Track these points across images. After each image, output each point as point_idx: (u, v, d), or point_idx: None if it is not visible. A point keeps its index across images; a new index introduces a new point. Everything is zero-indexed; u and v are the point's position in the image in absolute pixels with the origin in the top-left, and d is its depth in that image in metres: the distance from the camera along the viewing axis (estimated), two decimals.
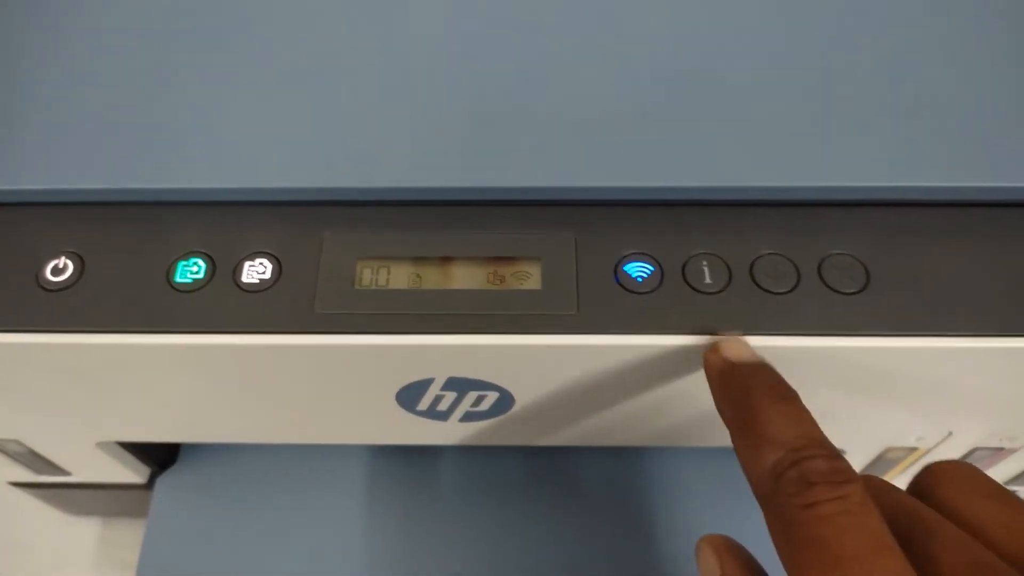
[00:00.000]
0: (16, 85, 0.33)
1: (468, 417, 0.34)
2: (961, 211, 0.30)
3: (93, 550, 0.55)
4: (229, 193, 0.30)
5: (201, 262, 0.29)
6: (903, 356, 0.29)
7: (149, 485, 0.46)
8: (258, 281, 0.29)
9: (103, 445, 0.40)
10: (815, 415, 0.33)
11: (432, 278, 0.29)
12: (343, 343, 0.28)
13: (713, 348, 0.27)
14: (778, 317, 0.28)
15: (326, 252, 0.30)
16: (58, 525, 0.55)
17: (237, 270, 0.29)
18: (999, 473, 0.41)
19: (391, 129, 0.31)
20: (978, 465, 0.38)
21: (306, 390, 0.32)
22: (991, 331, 0.28)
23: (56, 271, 0.29)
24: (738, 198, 0.30)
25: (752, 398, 0.25)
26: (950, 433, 0.36)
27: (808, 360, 0.29)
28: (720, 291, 0.29)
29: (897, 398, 0.32)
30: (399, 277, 0.29)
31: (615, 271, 0.29)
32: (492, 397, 0.32)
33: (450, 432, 0.36)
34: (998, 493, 0.23)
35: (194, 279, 0.29)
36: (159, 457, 0.46)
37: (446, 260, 0.29)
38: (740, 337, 0.27)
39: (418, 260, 0.29)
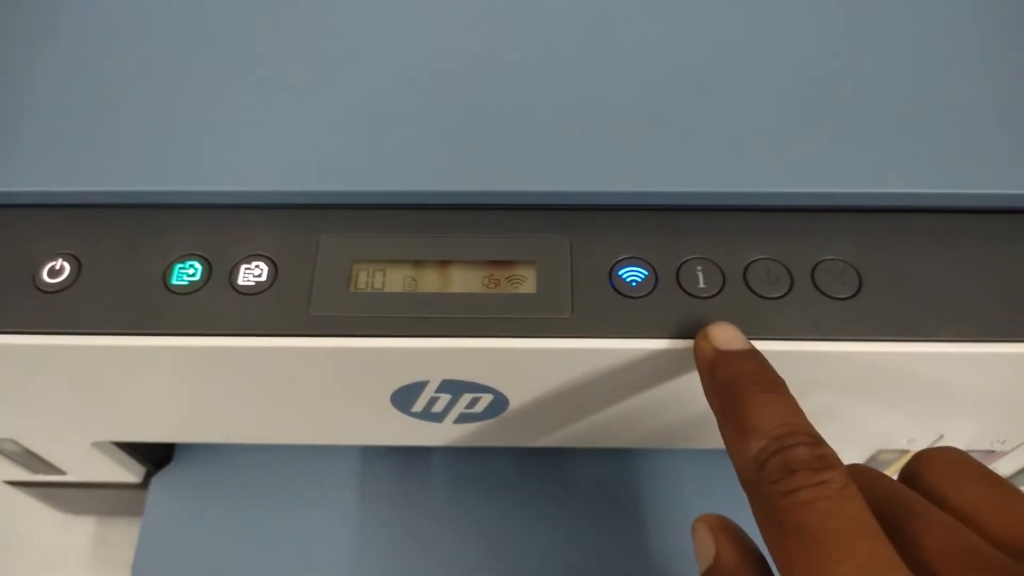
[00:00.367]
0: (13, 87, 0.33)
1: (463, 419, 0.34)
2: (953, 217, 0.30)
3: (88, 549, 0.55)
4: (225, 196, 0.30)
5: (197, 264, 0.30)
6: (895, 361, 0.29)
7: (144, 484, 0.46)
8: (254, 283, 0.29)
9: (98, 445, 0.40)
10: (808, 417, 0.33)
11: (427, 281, 0.29)
12: (338, 346, 0.28)
13: (703, 335, 0.27)
14: (771, 322, 0.28)
15: (322, 255, 0.30)
16: (53, 524, 0.55)
17: (233, 272, 0.29)
18: None
19: (387, 132, 0.31)
20: None
21: (301, 392, 0.32)
22: (982, 336, 0.28)
23: (53, 273, 0.29)
24: (732, 203, 0.30)
25: (739, 387, 0.25)
26: (941, 435, 0.36)
27: (801, 364, 0.29)
28: (714, 295, 0.29)
29: (889, 401, 0.33)
30: (394, 280, 0.29)
31: (610, 275, 0.29)
32: (487, 399, 0.32)
33: (445, 433, 0.36)
34: (986, 478, 0.23)
35: (190, 281, 0.29)
36: (154, 456, 0.46)
37: (441, 263, 0.30)
38: (730, 324, 0.28)
39: (413, 263, 0.30)
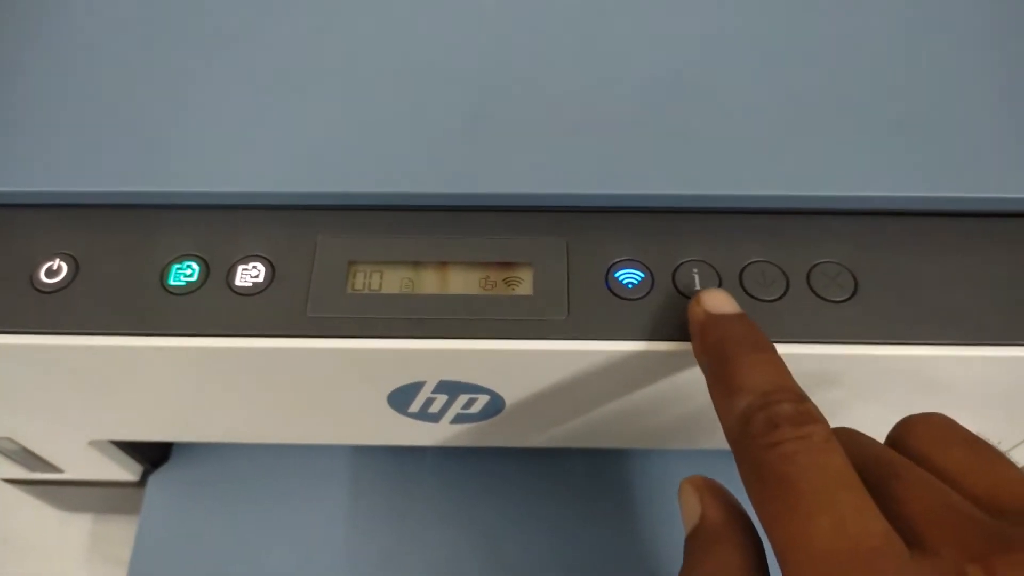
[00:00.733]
0: (11, 86, 0.33)
1: (459, 419, 0.34)
2: (949, 221, 0.30)
3: (86, 546, 0.55)
4: (223, 196, 0.30)
5: (195, 265, 0.30)
6: (890, 363, 0.29)
7: (142, 483, 0.46)
8: (251, 284, 0.29)
9: (96, 443, 0.40)
10: None
11: (424, 283, 0.29)
12: (335, 347, 0.29)
13: (695, 299, 0.28)
14: (767, 324, 0.28)
15: (319, 256, 0.30)
16: (51, 521, 0.55)
17: (230, 273, 0.30)
18: None
19: (385, 134, 0.31)
20: None
21: (298, 392, 0.32)
22: (977, 340, 0.28)
23: (50, 273, 0.30)
24: (729, 206, 0.30)
25: (727, 347, 0.25)
26: None
27: (796, 366, 0.29)
28: None
29: (883, 403, 0.32)
30: (391, 281, 0.29)
31: (606, 277, 0.29)
32: (483, 400, 0.33)
33: (441, 433, 0.36)
34: (971, 441, 0.23)
35: (187, 282, 0.29)
36: (152, 455, 0.46)
37: (438, 265, 0.30)
38: (722, 291, 0.28)
39: (410, 265, 0.30)
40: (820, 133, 0.31)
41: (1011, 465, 0.22)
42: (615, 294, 0.29)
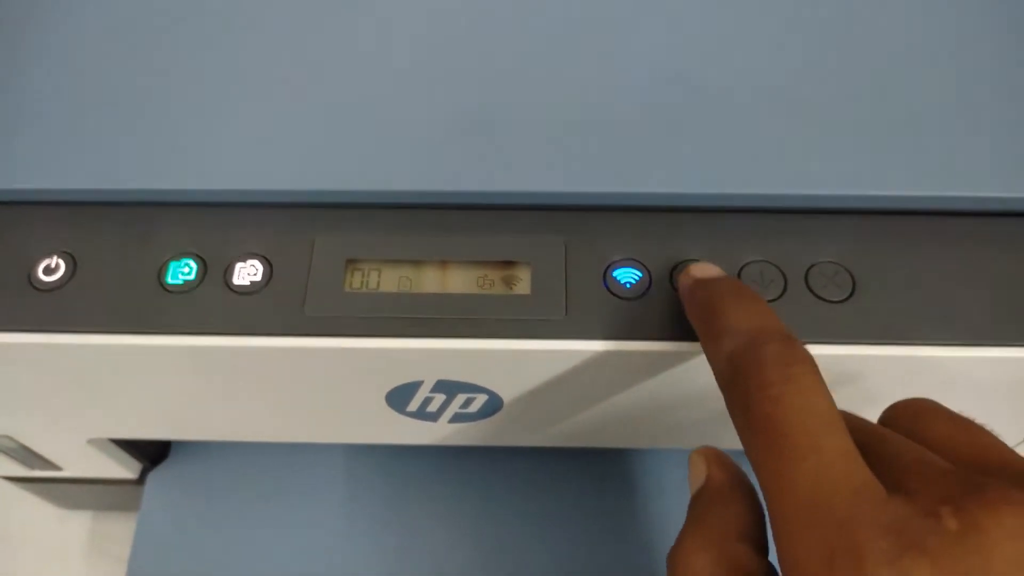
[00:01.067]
0: (9, 84, 0.33)
1: (457, 418, 0.34)
2: (947, 220, 0.30)
3: (85, 543, 0.55)
4: (221, 194, 0.30)
5: (193, 263, 0.30)
6: (888, 363, 0.29)
7: (140, 480, 0.46)
8: (249, 283, 0.29)
9: (95, 441, 0.40)
10: None
11: (422, 282, 0.29)
12: (333, 346, 0.29)
13: (685, 272, 0.28)
14: None
15: (317, 254, 0.30)
16: (50, 518, 0.55)
17: (228, 271, 0.30)
18: None
19: (383, 132, 0.31)
20: None
21: (296, 391, 0.32)
22: (975, 340, 0.28)
23: (48, 271, 0.30)
24: (727, 205, 0.30)
25: (714, 299, 0.26)
26: None
27: None
28: None
29: (880, 403, 0.32)
30: (389, 280, 0.29)
31: (604, 276, 0.29)
32: (481, 399, 0.33)
33: (439, 432, 0.36)
34: (954, 417, 0.23)
35: (185, 280, 0.29)
36: (151, 453, 0.46)
37: (436, 264, 0.30)
38: (709, 263, 0.28)
39: (408, 263, 0.30)
40: (818, 132, 0.31)
41: (991, 435, 0.23)
42: (613, 293, 0.29)
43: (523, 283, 0.29)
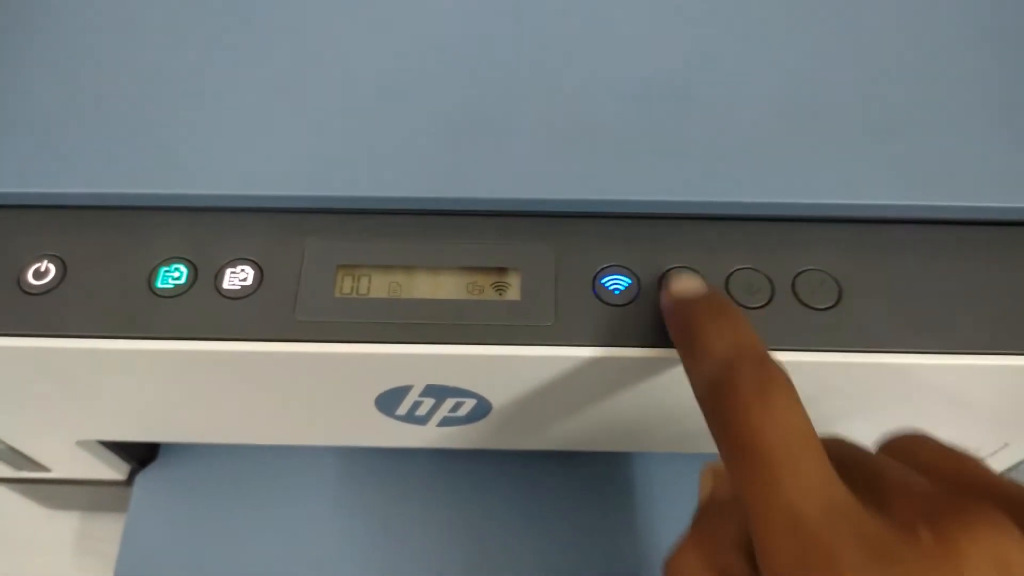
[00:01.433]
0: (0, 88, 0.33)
1: (446, 422, 0.35)
2: (934, 229, 0.31)
3: (72, 543, 0.55)
4: (212, 199, 0.30)
5: (182, 267, 0.30)
6: (873, 371, 0.29)
7: (129, 482, 0.46)
8: (239, 287, 0.29)
9: (83, 443, 0.40)
10: None
11: (412, 287, 0.29)
12: (323, 351, 0.29)
13: (664, 288, 0.28)
14: None
15: (307, 260, 0.30)
16: (38, 518, 0.55)
17: (219, 276, 0.30)
18: None
19: (374, 138, 0.31)
20: None
21: (286, 395, 0.33)
22: (961, 348, 0.29)
23: (38, 274, 0.30)
24: (715, 212, 0.31)
25: (691, 320, 0.26)
26: None
27: None
28: None
29: (867, 409, 0.33)
30: (379, 286, 0.30)
31: (593, 283, 0.30)
32: (470, 404, 0.33)
33: (428, 436, 0.36)
34: (941, 447, 0.24)
35: (176, 285, 0.29)
36: (139, 455, 0.46)
37: (426, 269, 0.30)
38: (690, 274, 0.29)
39: (398, 269, 0.30)
40: (807, 141, 0.31)
41: (979, 463, 0.23)
42: (602, 300, 0.29)
43: (513, 289, 0.29)
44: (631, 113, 0.32)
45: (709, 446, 0.37)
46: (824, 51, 0.34)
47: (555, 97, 0.32)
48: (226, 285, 0.29)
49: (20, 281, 0.29)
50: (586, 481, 0.47)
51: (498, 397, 0.32)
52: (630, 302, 0.29)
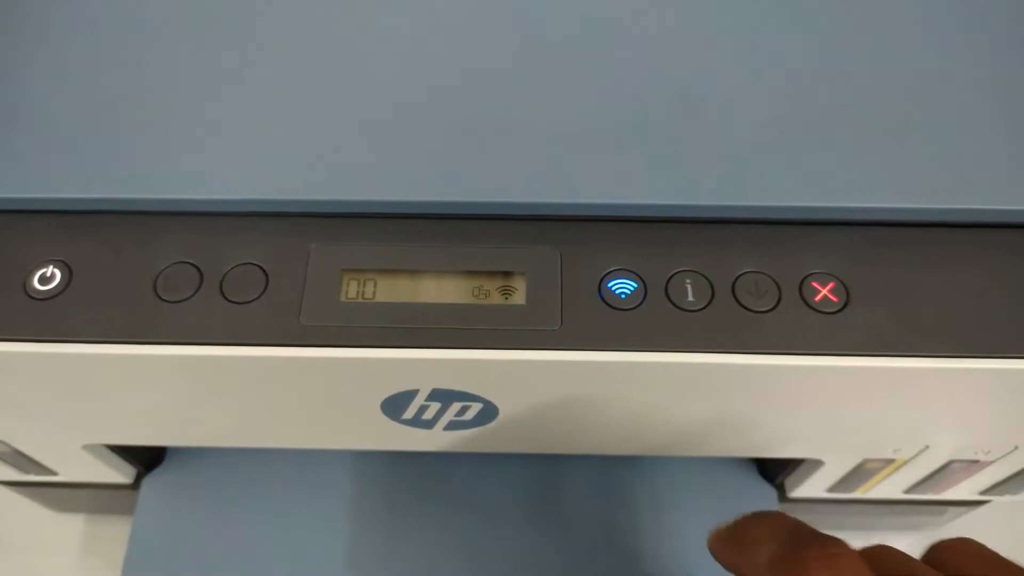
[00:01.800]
0: (5, 92, 0.33)
1: (452, 426, 0.35)
2: (941, 232, 0.31)
3: (78, 546, 0.55)
4: (217, 204, 0.30)
5: (189, 272, 0.30)
6: (882, 375, 0.29)
7: (135, 485, 0.46)
8: (245, 292, 0.29)
9: (90, 447, 0.40)
10: (794, 430, 0.34)
11: (417, 291, 0.29)
12: (328, 356, 0.29)
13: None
14: (759, 335, 0.29)
15: (312, 264, 0.30)
16: (44, 521, 0.55)
17: (224, 281, 0.29)
18: (973, 485, 0.41)
19: (379, 142, 0.31)
20: (953, 477, 0.39)
21: (291, 399, 0.33)
22: (968, 352, 0.28)
23: (44, 279, 0.30)
24: (722, 216, 0.31)
25: (735, 527, 0.26)
26: (927, 446, 0.36)
27: (788, 377, 0.29)
28: (702, 309, 0.29)
29: (875, 413, 0.33)
30: (385, 290, 0.29)
31: (599, 287, 0.29)
32: (476, 408, 0.33)
33: (435, 439, 0.36)
34: (1004, 564, 0.24)
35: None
36: (145, 458, 0.46)
37: (432, 274, 0.30)
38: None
39: (404, 273, 0.30)
40: (814, 144, 0.31)
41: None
42: (608, 304, 0.29)
43: (519, 293, 0.29)
44: (636, 117, 0.32)
45: (713, 449, 0.37)
46: (830, 54, 0.34)
47: (560, 101, 0.32)
48: (231, 290, 0.29)
49: (26, 286, 0.29)
50: (593, 485, 0.46)
51: (504, 401, 0.32)
52: (636, 306, 0.29)
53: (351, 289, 0.29)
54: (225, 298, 0.29)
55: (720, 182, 0.30)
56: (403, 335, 0.29)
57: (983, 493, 0.43)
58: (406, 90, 0.33)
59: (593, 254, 0.30)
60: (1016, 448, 0.36)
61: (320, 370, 0.30)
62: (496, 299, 0.29)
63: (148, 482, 0.46)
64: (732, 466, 0.47)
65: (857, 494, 0.44)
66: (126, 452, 0.43)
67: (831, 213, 0.30)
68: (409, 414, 0.33)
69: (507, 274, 0.30)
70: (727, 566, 0.26)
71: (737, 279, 0.30)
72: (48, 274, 0.30)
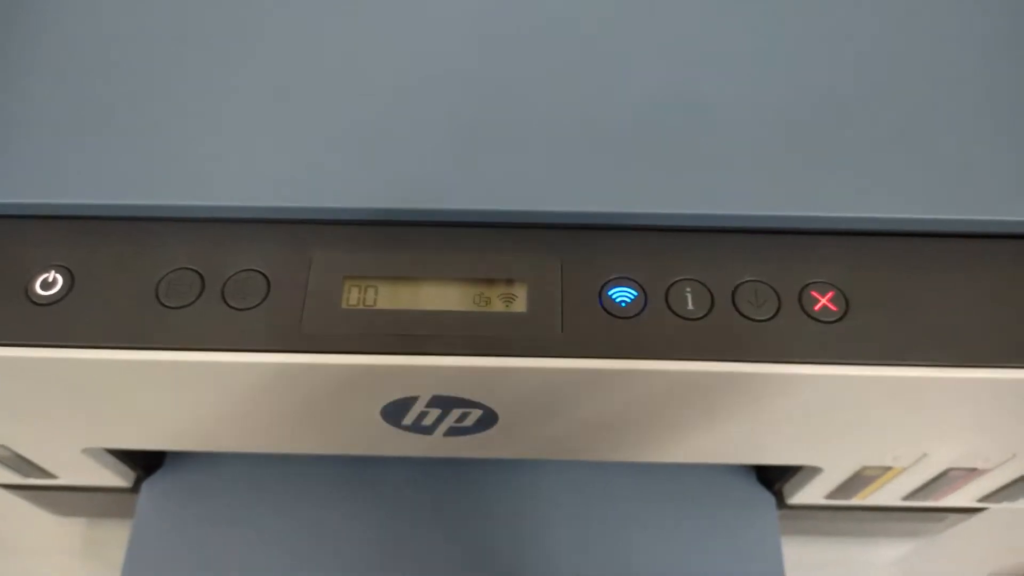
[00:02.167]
0: (8, 99, 0.33)
1: (452, 432, 0.35)
2: (940, 242, 0.31)
3: (78, 549, 0.55)
4: (219, 211, 0.31)
5: (190, 279, 0.30)
6: (880, 384, 0.29)
7: (135, 489, 0.46)
8: (247, 299, 0.29)
9: (90, 451, 0.40)
10: (792, 437, 0.34)
11: (418, 299, 0.30)
12: (329, 362, 0.29)
13: None
14: (758, 344, 0.29)
15: (314, 271, 0.30)
16: (44, 524, 0.55)
17: (226, 287, 0.30)
18: (972, 492, 0.42)
19: (381, 150, 0.31)
20: (952, 484, 0.39)
21: (292, 405, 0.33)
22: (967, 362, 0.28)
23: (46, 285, 0.30)
24: (722, 225, 0.31)
25: None
26: (925, 454, 0.36)
27: (787, 386, 0.29)
28: (702, 317, 0.29)
29: (873, 421, 0.33)
30: (386, 297, 0.30)
31: (600, 295, 0.30)
32: (476, 414, 0.33)
33: (434, 445, 0.36)
34: None
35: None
36: (145, 462, 0.46)
37: (433, 281, 0.30)
38: None
39: (405, 280, 0.30)
40: (814, 154, 0.31)
41: None
42: (608, 312, 0.29)
43: (519, 301, 0.29)
44: (638, 126, 0.32)
45: (712, 456, 0.37)
46: (831, 65, 0.34)
47: (562, 110, 0.32)
48: (233, 296, 0.29)
49: (28, 291, 0.30)
50: (589, 490, 0.46)
51: (504, 408, 0.32)
52: (636, 314, 0.29)
53: (352, 296, 0.30)
54: (227, 304, 0.29)
55: (720, 191, 0.30)
56: (404, 342, 0.29)
57: (981, 500, 0.43)
58: (408, 98, 0.33)
59: (594, 262, 0.30)
60: (1014, 456, 0.36)
61: (321, 376, 0.30)
62: (497, 306, 0.29)
63: (148, 486, 0.46)
64: (730, 472, 0.47)
65: (855, 501, 0.44)
66: (126, 456, 0.43)
67: (831, 223, 0.30)
68: (409, 420, 0.33)
69: (508, 281, 0.30)
70: None
71: (737, 288, 0.30)
72: (50, 279, 0.30)
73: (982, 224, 0.30)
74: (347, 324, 0.29)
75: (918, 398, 0.30)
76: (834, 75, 0.34)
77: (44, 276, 0.30)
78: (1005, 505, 0.44)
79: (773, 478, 0.46)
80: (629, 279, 0.30)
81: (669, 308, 0.29)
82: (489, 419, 0.33)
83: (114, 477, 0.44)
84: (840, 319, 0.29)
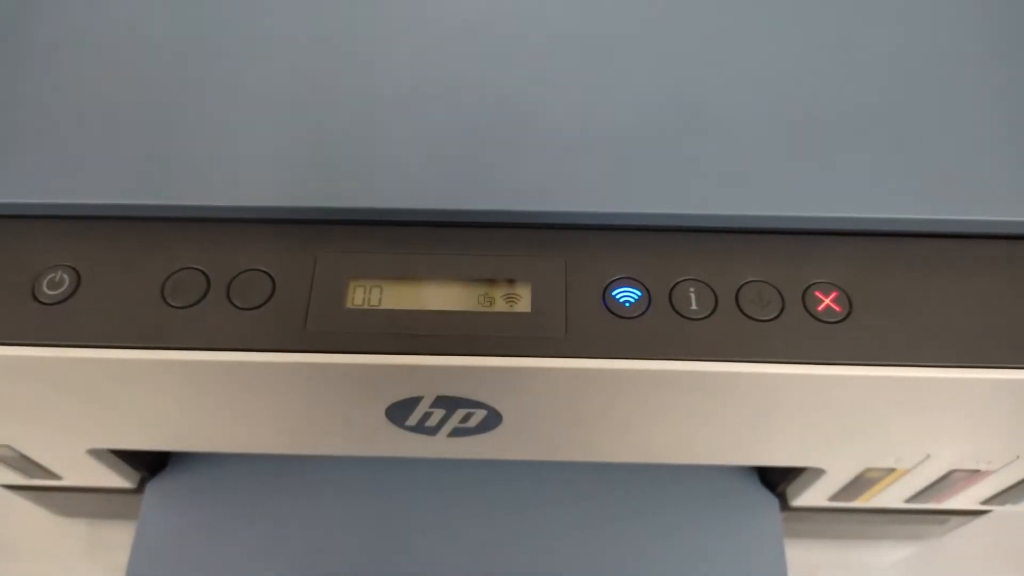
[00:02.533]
0: (15, 99, 0.33)
1: (456, 433, 0.35)
2: (943, 243, 0.31)
3: (82, 550, 0.55)
4: (225, 211, 0.31)
5: (196, 278, 0.30)
6: (883, 384, 0.29)
7: (139, 490, 0.47)
8: (252, 299, 0.29)
9: (94, 452, 0.40)
10: (795, 438, 0.34)
11: (423, 299, 0.30)
12: (333, 362, 0.29)
13: None
14: (762, 344, 0.29)
15: (319, 271, 0.30)
16: (48, 525, 0.55)
17: (231, 287, 0.30)
18: (975, 494, 0.42)
19: (386, 150, 0.31)
20: (955, 487, 0.39)
21: (296, 405, 0.33)
22: (970, 362, 0.29)
23: (52, 284, 0.30)
24: (725, 225, 0.31)
25: None
26: (928, 456, 0.36)
27: (790, 386, 0.29)
28: (706, 317, 0.29)
29: (876, 423, 0.33)
30: (390, 297, 0.30)
31: (603, 295, 0.30)
32: (480, 415, 0.33)
33: (438, 446, 0.36)
34: None
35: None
36: (149, 463, 0.46)
37: (437, 281, 0.30)
38: None
39: (409, 281, 0.30)
40: (817, 154, 0.31)
41: None
42: (612, 312, 0.29)
43: (523, 301, 0.30)
44: (642, 126, 0.32)
45: (715, 457, 0.37)
46: (834, 66, 0.34)
47: (567, 111, 0.33)
48: (238, 296, 0.30)
49: (34, 291, 0.30)
50: (592, 490, 0.46)
51: (508, 408, 0.32)
52: (640, 314, 0.29)
53: (357, 296, 0.30)
54: (232, 304, 0.29)
55: (724, 192, 0.30)
56: (408, 342, 0.29)
57: (984, 503, 0.43)
58: (414, 100, 0.33)
59: (598, 262, 0.30)
60: (1018, 458, 0.36)
61: (325, 376, 0.30)
62: (501, 307, 0.29)
63: (152, 487, 0.47)
64: (733, 474, 0.47)
65: (858, 503, 0.44)
66: (130, 457, 0.44)
67: (834, 223, 0.31)
68: (413, 420, 0.33)
69: (512, 282, 0.30)
70: None
71: (741, 288, 0.30)
72: (56, 279, 0.30)
73: (986, 225, 0.30)
74: (351, 324, 0.29)
75: (922, 399, 0.30)
76: (838, 76, 0.34)
77: (50, 276, 0.30)
78: (1008, 508, 0.44)
79: (776, 480, 0.46)
80: (633, 279, 0.30)
81: (673, 308, 0.29)
82: (493, 420, 0.33)
83: (118, 478, 0.44)
84: (844, 319, 0.29)
